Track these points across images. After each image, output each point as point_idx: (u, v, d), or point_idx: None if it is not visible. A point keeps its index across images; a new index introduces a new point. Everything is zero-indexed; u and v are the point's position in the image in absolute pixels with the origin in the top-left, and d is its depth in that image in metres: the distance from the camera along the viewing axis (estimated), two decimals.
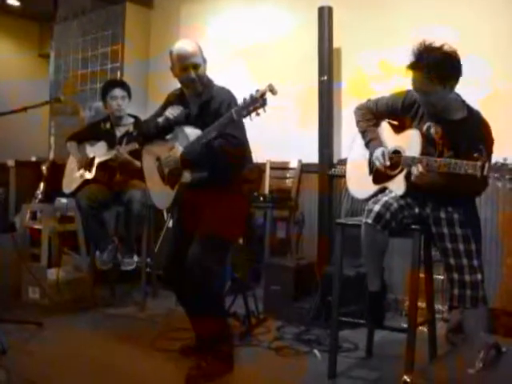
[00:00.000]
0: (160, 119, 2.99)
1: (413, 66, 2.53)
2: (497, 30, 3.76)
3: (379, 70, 4.27)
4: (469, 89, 2.74)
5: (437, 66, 2.46)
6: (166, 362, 3.05)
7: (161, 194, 3.07)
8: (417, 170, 2.52)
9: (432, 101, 2.58)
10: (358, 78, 4.44)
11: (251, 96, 2.56)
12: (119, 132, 4.25)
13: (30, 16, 7.46)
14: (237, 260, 4.03)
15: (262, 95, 2.53)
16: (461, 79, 2.56)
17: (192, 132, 2.86)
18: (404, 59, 2.56)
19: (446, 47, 2.50)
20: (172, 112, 2.94)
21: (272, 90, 2.55)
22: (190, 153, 2.82)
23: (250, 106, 2.55)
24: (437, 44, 2.51)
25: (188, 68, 2.88)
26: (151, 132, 3.09)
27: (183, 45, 2.93)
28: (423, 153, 2.59)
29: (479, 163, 2.31)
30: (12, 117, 3.56)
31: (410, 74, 2.56)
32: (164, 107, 3.11)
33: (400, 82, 2.76)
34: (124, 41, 5.92)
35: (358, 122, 2.95)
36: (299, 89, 4.73)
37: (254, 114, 2.56)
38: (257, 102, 2.54)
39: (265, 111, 2.54)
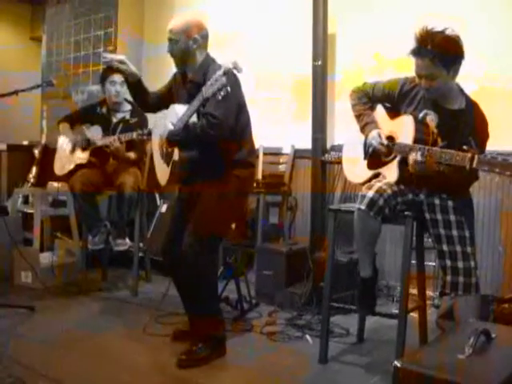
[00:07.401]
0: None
1: (416, 52, 2.51)
2: (493, 26, 3.76)
3: (374, 60, 4.26)
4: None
5: (441, 50, 2.44)
6: (158, 346, 3.06)
7: (161, 170, 3.09)
8: (412, 158, 2.50)
9: (436, 85, 2.55)
10: (352, 66, 4.43)
11: (216, 75, 2.60)
12: (115, 118, 4.24)
13: None
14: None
15: (225, 73, 2.58)
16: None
17: (180, 110, 2.86)
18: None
19: (448, 31, 2.48)
20: None
21: (236, 68, 2.63)
22: (174, 133, 2.82)
23: (214, 85, 2.58)
24: (439, 28, 2.49)
25: (168, 41, 2.94)
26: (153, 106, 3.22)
27: (173, 19, 2.97)
28: (416, 140, 2.58)
29: (469, 155, 2.30)
30: (3, 100, 3.53)
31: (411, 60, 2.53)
32: (168, 86, 3.15)
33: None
34: (117, 23, 5.85)
35: (353, 106, 2.91)
36: (293, 77, 4.73)
37: (222, 92, 2.58)
38: (219, 81, 2.57)
39: (229, 89, 2.58)
